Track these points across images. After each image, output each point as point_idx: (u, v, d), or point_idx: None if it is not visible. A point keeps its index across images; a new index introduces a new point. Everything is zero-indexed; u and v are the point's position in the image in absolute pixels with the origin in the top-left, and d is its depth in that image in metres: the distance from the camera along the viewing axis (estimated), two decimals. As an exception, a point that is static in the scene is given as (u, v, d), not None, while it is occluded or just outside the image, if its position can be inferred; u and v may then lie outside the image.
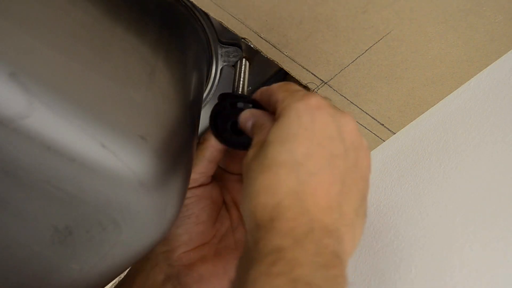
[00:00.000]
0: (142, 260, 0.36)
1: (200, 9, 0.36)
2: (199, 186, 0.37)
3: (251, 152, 0.30)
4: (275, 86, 0.32)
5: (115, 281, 0.39)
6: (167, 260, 0.37)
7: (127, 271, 0.38)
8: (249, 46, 0.38)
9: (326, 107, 0.29)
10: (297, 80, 0.41)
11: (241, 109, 0.36)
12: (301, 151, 0.27)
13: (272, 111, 0.32)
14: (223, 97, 0.37)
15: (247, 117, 0.34)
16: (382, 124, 0.44)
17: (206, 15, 0.42)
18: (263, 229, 0.25)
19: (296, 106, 0.29)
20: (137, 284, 0.36)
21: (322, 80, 0.41)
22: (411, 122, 0.44)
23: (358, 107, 0.43)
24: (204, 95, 0.47)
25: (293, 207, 0.26)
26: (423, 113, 0.43)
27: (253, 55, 0.43)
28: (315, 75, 0.40)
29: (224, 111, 0.37)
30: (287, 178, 0.26)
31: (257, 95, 0.35)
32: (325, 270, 0.24)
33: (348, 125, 0.30)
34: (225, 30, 0.37)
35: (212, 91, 0.48)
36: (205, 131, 0.43)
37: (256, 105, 0.36)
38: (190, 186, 0.36)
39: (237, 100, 0.36)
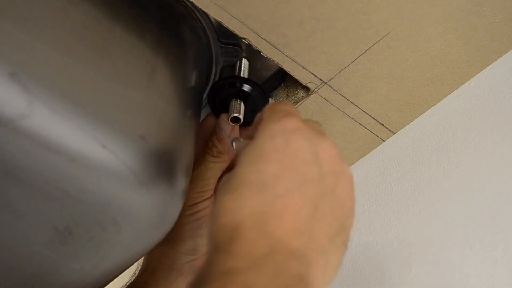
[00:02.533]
0: (164, 270, 0.38)
1: (200, 9, 0.36)
2: (210, 197, 0.39)
3: (226, 175, 0.29)
4: (268, 105, 0.32)
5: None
6: (192, 269, 0.38)
7: (138, 280, 0.38)
8: (249, 46, 0.38)
9: (303, 131, 0.28)
10: (297, 80, 0.41)
11: (240, 89, 0.38)
12: (270, 172, 0.26)
13: None
14: (223, 77, 0.39)
15: (241, 146, 0.33)
16: (382, 124, 0.44)
17: (206, 15, 0.42)
18: (221, 250, 0.24)
19: (271, 127, 0.27)
20: None
21: (322, 80, 0.41)
22: (411, 122, 0.44)
23: (358, 107, 0.43)
24: (204, 95, 0.47)
25: (253, 229, 0.24)
26: (423, 113, 0.43)
27: (253, 55, 0.43)
28: (315, 75, 0.40)
29: (222, 90, 0.39)
30: (251, 199, 0.25)
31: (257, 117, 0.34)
32: None
33: (327, 150, 0.28)
34: (225, 30, 0.37)
35: (212, 91, 0.48)
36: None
37: (254, 86, 0.39)
38: (203, 198, 0.38)
39: (236, 80, 0.39)
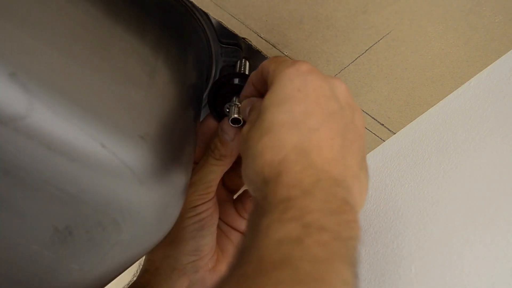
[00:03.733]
0: (166, 270, 0.38)
1: (200, 9, 0.36)
2: (212, 198, 0.39)
3: (246, 127, 0.31)
4: (265, 61, 0.33)
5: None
6: (194, 268, 0.39)
7: (140, 280, 0.39)
8: (249, 46, 0.38)
9: (316, 71, 0.30)
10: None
11: (239, 86, 0.38)
12: (299, 110, 0.28)
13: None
14: (222, 75, 0.39)
15: (245, 104, 0.35)
16: (382, 124, 0.44)
17: (206, 15, 0.42)
18: (271, 183, 0.26)
19: (287, 71, 0.29)
20: None
21: (322, 80, 0.41)
22: (411, 122, 0.44)
23: (358, 107, 0.43)
24: (204, 95, 0.47)
25: (299, 161, 0.26)
26: (423, 113, 0.43)
27: (253, 55, 0.43)
28: (315, 75, 0.40)
29: (222, 87, 0.39)
30: (289, 136, 0.27)
31: (252, 79, 0.35)
32: (337, 215, 0.24)
33: (340, 86, 0.31)
34: (225, 30, 0.37)
35: (212, 91, 0.48)
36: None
37: None
38: (205, 200, 0.39)
39: (235, 77, 0.39)
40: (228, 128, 0.38)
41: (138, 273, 0.40)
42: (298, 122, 0.27)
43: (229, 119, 0.38)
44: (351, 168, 0.28)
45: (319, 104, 0.28)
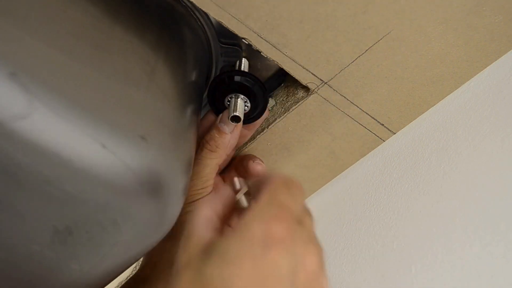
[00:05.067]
0: (165, 265, 0.39)
1: (200, 9, 0.36)
2: (210, 193, 0.40)
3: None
4: (273, 178, 0.29)
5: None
6: None
7: (139, 274, 0.39)
8: (249, 46, 0.38)
9: (289, 242, 0.26)
10: (297, 80, 0.41)
11: (239, 83, 0.38)
12: (238, 282, 0.24)
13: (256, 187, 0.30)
14: (223, 71, 0.39)
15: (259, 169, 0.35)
16: (382, 124, 0.44)
17: (206, 15, 0.42)
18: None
19: (257, 226, 0.25)
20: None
21: (322, 80, 0.41)
22: (411, 122, 0.44)
23: (358, 107, 0.43)
24: (204, 95, 0.47)
25: None
26: (423, 113, 0.43)
27: (253, 55, 0.43)
28: (315, 75, 0.40)
29: (222, 84, 0.40)
30: None
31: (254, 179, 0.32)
32: None
33: (308, 266, 0.26)
34: (225, 30, 0.37)
35: (212, 91, 0.48)
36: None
37: (255, 80, 0.39)
38: (203, 195, 0.39)
39: (236, 74, 0.39)
40: (227, 122, 0.38)
41: (137, 267, 0.40)
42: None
43: (229, 116, 0.38)
44: None
45: (265, 285, 0.24)
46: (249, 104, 0.41)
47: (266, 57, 0.39)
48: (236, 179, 0.32)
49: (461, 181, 0.38)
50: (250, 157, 0.45)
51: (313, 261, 0.27)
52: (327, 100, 0.42)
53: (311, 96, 0.42)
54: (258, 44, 0.38)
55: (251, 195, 0.30)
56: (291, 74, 0.40)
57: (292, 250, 0.26)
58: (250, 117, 0.42)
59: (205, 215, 0.28)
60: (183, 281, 0.24)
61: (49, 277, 0.28)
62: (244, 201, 0.31)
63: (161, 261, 0.39)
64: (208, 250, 0.25)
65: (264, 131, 0.45)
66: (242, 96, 0.40)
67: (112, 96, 0.27)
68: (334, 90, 0.41)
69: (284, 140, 0.46)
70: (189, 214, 0.29)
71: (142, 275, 0.39)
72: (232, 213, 0.31)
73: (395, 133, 0.45)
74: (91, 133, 0.24)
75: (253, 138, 0.46)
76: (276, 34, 0.37)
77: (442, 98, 0.42)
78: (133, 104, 0.28)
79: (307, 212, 0.29)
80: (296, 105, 0.43)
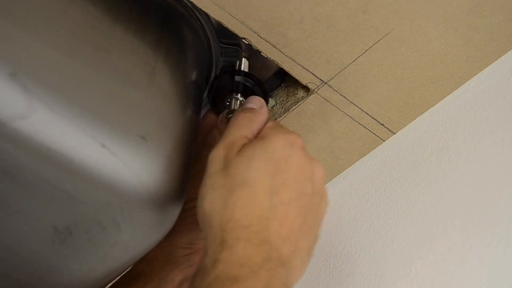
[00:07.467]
0: (160, 262, 0.39)
1: (200, 9, 0.36)
2: None
3: (233, 134, 0.31)
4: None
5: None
6: (188, 262, 0.39)
7: (134, 269, 0.39)
8: (249, 46, 0.38)
9: (305, 150, 0.31)
10: (297, 80, 0.41)
11: (239, 83, 0.39)
12: (279, 180, 0.29)
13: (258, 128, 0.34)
14: (223, 71, 0.39)
15: (253, 101, 0.36)
16: (382, 124, 0.44)
17: (206, 15, 0.42)
18: (227, 249, 0.27)
19: (284, 137, 0.30)
20: (152, 285, 0.38)
21: (322, 80, 0.41)
22: (411, 122, 0.44)
23: (358, 107, 0.43)
24: (204, 95, 0.47)
25: (260, 233, 0.28)
26: (423, 113, 0.43)
27: (253, 55, 0.43)
28: (315, 75, 0.40)
29: (222, 83, 0.40)
30: (262, 202, 0.28)
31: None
32: None
33: (319, 172, 0.32)
34: (225, 30, 0.37)
35: (212, 91, 0.48)
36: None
37: (255, 80, 0.40)
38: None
39: (236, 74, 0.40)
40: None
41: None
42: (274, 191, 0.29)
43: (229, 115, 0.38)
44: (300, 251, 0.29)
45: (297, 182, 0.30)
46: None
47: (266, 57, 0.39)
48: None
49: (461, 181, 0.38)
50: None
51: (322, 168, 0.32)
52: (327, 100, 0.42)
53: (311, 96, 0.42)
54: (258, 44, 0.38)
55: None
56: (291, 74, 0.40)
57: (309, 158, 0.31)
58: None
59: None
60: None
61: (49, 277, 0.28)
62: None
63: (156, 257, 0.39)
64: (248, 150, 0.30)
65: (264, 131, 0.45)
66: (242, 96, 0.40)
67: (112, 96, 0.27)
68: (334, 90, 0.41)
69: (284, 140, 0.46)
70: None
71: (137, 271, 0.39)
72: None
73: (395, 133, 0.45)
74: (90, 133, 0.24)
75: (253, 138, 0.46)
76: (276, 34, 0.37)
77: (442, 98, 0.42)
78: (133, 104, 0.28)
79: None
80: (296, 105, 0.43)
